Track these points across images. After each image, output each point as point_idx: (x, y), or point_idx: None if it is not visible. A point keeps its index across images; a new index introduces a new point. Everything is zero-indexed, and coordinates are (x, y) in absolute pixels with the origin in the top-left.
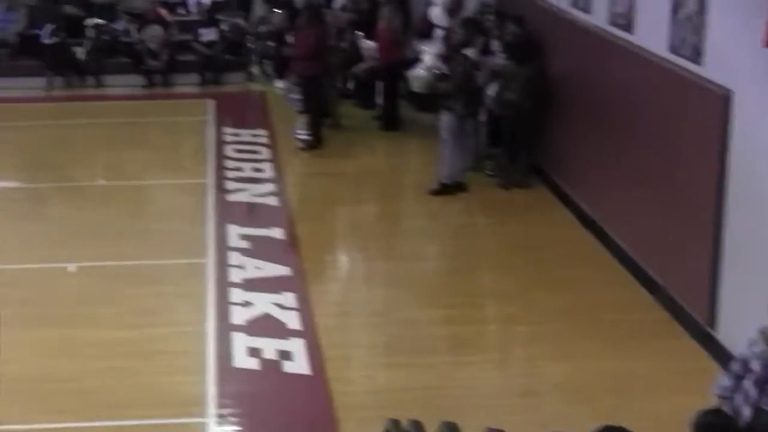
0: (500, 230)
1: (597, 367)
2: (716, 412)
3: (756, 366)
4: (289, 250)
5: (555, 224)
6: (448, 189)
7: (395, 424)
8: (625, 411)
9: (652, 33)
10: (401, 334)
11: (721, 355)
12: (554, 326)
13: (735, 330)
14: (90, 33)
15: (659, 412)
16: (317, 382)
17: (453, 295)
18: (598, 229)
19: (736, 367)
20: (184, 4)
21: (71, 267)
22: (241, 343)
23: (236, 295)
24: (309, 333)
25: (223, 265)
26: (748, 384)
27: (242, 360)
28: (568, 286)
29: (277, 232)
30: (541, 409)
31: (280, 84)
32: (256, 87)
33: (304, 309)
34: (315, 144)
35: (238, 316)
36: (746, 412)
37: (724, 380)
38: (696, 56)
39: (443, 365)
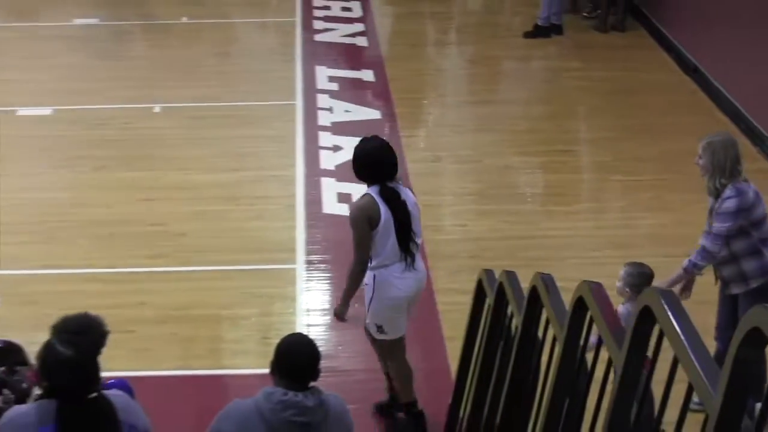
0: (596, 75)
1: (694, 219)
2: None
3: None
4: (378, 92)
5: (653, 69)
6: (543, 31)
7: (489, 274)
8: None
9: None
10: (494, 181)
11: None
12: (650, 176)
13: None
14: None
15: None
16: None
17: (547, 142)
18: (700, 76)
19: None
20: None
21: (157, 108)
22: (330, 188)
23: (325, 138)
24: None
25: (311, 108)
26: None
27: (332, 206)
28: (666, 134)
29: (366, 74)
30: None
31: None
32: None
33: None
34: None
35: (328, 160)
36: None
37: None
38: None
39: (537, 214)
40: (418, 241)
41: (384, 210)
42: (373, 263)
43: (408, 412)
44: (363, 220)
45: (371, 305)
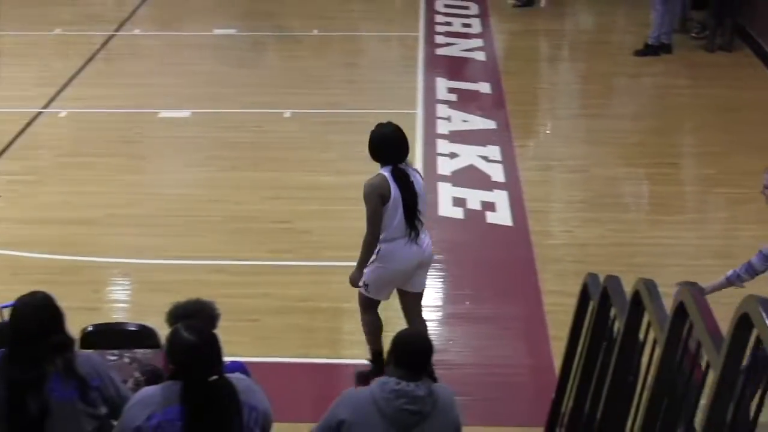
0: (703, 92)
1: None
2: None
3: None
4: (495, 104)
5: (759, 88)
6: (653, 50)
7: (594, 278)
8: None
9: None
10: (601, 190)
11: None
12: (754, 189)
13: None
14: None
15: None
16: (519, 233)
17: (653, 155)
18: None
19: None
20: None
21: (287, 113)
22: (446, 192)
23: (443, 146)
24: (512, 186)
25: (431, 117)
26: None
27: (447, 209)
28: None
29: (484, 87)
30: None
31: None
32: None
33: (508, 162)
34: (528, 2)
35: (444, 166)
36: None
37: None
38: None
39: (641, 223)
40: (423, 219)
41: (394, 188)
42: (381, 237)
43: (375, 361)
44: (375, 196)
45: (368, 267)
